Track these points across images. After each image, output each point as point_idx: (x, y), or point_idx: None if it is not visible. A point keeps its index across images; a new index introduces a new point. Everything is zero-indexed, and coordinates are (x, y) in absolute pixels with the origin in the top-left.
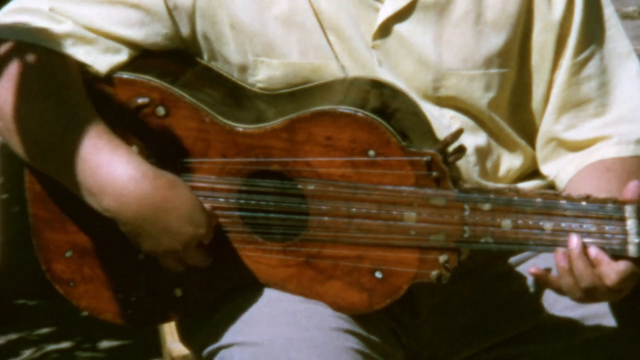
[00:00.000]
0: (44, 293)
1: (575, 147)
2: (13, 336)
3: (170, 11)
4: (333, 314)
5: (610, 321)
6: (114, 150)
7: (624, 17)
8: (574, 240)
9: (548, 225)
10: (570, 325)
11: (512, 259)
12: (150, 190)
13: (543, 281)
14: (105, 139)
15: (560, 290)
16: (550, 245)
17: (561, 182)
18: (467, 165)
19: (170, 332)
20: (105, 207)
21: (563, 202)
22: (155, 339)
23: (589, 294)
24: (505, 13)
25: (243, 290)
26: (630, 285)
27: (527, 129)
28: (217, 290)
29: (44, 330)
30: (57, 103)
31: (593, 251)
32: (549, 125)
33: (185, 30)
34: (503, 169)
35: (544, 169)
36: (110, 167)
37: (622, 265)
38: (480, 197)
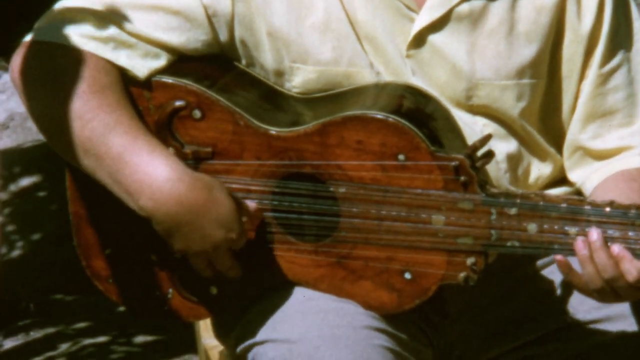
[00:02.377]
0: (80, 288)
1: (601, 155)
2: (50, 330)
3: (209, 18)
4: (364, 313)
5: (633, 322)
6: (152, 151)
7: None
8: (594, 235)
9: (573, 230)
10: (594, 325)
11: (539, 262)
12: (186, 192)
13: (566, 271)
14: (144, 140)
15: (582, 288)
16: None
17: (587, 190)
18: (498, 172)
19: (205, 328)
20: (140, 206)
21: (587, 207)
22: (190, 334)
23: (610, 285)
24: (537, 25)
25: (277, 289)
26: None
27: (557, 138)
28: (251, 288)
29: (80, 325)
30: (98, 104)
31: (616, 248)
32: (575, 134)
33: (223, 37)
34: (533, 176)
35: (571, 176)
36: (148, 168)
37: None
38: (506, 202)
